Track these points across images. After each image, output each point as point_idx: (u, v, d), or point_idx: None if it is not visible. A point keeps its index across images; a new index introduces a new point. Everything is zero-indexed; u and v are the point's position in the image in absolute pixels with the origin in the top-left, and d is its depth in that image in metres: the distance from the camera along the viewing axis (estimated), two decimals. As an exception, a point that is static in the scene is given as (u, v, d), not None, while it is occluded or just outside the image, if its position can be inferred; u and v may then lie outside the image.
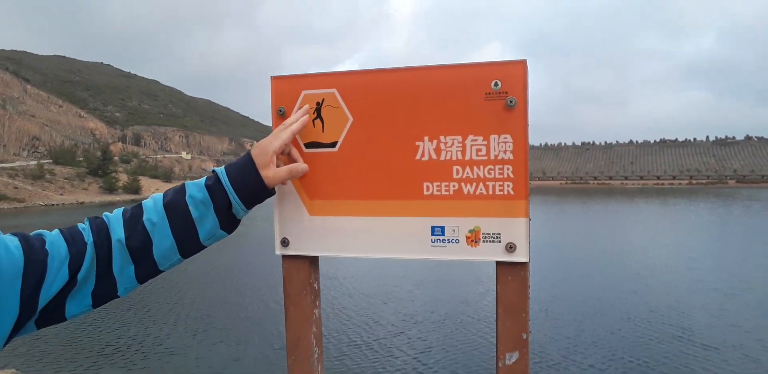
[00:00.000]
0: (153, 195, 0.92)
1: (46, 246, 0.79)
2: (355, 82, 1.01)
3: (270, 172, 0.93)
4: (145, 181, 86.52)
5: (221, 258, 16.69)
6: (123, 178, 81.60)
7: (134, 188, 79.45)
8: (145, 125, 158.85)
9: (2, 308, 0.72)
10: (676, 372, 7.16)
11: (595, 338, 8.58)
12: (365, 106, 1.00)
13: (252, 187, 0.91)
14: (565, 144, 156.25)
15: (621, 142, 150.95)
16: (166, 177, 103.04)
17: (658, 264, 15.03)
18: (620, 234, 23.68)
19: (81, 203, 63.67)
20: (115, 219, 0.89)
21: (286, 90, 1.04)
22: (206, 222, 0.90)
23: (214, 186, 0.90)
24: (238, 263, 16.36)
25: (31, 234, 0.82)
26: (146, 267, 0.88)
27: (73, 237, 0.83)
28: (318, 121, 1.02)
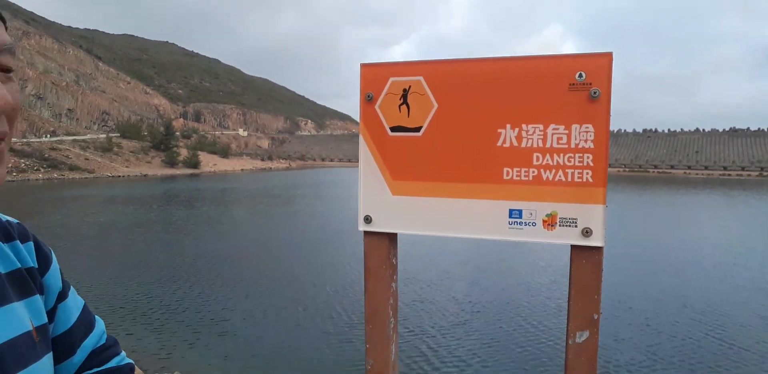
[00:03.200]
0: None
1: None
2: (440, 71, 1.05)
3: None
4: (203, 156, 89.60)
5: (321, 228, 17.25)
6: (183, 153, 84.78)
7: (193, 163, 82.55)
8: (206, 102, 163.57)
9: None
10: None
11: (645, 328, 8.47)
12: (450, 93, 1.04)
13: None
14: (625, 130, 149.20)
15: (686, 129, 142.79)
16: (224, 152, 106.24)
17: (705, 259, 14.47)
18: (671, 226, 22.62)
19: (145, 175, 66.75)
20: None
21: (375, 76, 1.10)
22: None
23: None
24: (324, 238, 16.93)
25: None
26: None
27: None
28: (404, 106, 1.07)
